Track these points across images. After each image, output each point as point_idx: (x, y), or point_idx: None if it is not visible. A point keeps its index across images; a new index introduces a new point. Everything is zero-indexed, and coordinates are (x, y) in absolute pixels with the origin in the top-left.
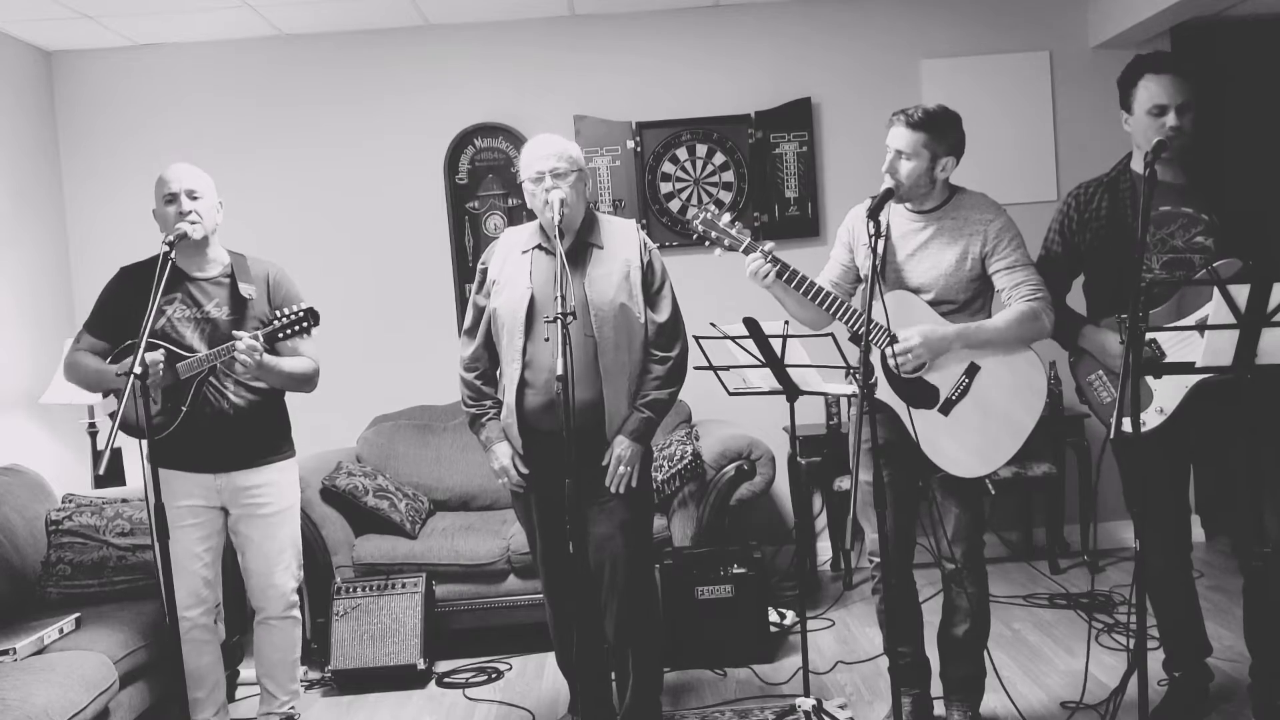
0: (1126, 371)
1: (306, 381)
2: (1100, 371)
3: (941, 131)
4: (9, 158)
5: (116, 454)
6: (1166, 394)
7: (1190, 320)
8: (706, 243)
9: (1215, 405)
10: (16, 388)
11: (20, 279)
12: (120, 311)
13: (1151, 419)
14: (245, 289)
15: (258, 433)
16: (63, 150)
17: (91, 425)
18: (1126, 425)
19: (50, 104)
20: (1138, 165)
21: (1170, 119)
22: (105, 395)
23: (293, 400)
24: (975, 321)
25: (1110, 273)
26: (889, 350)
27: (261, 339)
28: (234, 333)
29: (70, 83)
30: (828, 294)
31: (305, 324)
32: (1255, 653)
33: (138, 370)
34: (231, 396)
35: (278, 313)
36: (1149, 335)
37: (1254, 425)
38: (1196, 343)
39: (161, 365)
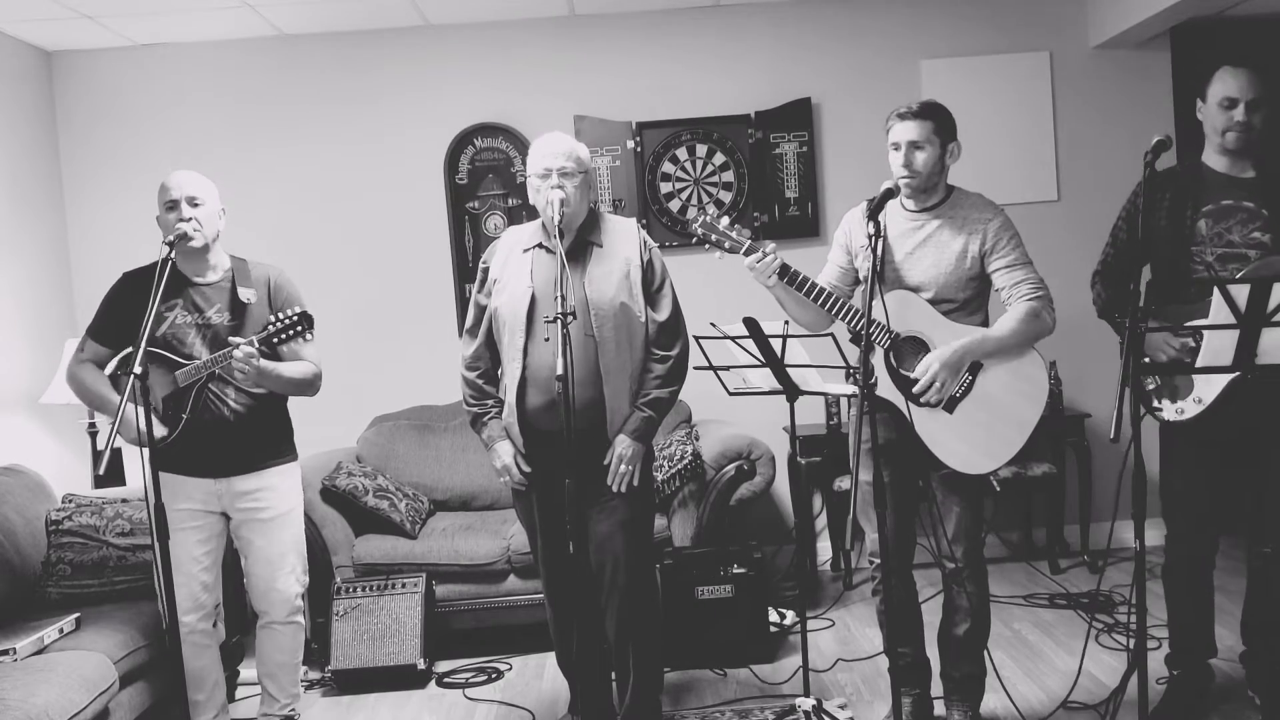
0: (1126, 369)
1: (308, 386)
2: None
3: (942, 119)
4: (9, 158)
5: (116, 454)
6: (1205, 384)
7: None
8: (707, 246)
9: (1256, 400)
10: (16, 388)
11: (20, 279)
12: (123, 316)
13: (1190, 408)
14: (245, 294)
15: (258, 438)
16: (63, 151)
17: (91, 425)
18: (1168, 413)
19: (50, 104)
20: (1208, 158)
21: (1239, 113)
22: None
23: (292, 400)
24: (980, 330)
25: (1163, 263)
26: (918, 392)
27: (258, 344)
28: (230, 339)
29: (70, 83)
30: (829, 294)
31: (299, 328)
32: (1249, 641)
33: (138, 370)
34: (232, 403)
35: (272, 317)
36: (1191, 326)
37: (1255, 426)
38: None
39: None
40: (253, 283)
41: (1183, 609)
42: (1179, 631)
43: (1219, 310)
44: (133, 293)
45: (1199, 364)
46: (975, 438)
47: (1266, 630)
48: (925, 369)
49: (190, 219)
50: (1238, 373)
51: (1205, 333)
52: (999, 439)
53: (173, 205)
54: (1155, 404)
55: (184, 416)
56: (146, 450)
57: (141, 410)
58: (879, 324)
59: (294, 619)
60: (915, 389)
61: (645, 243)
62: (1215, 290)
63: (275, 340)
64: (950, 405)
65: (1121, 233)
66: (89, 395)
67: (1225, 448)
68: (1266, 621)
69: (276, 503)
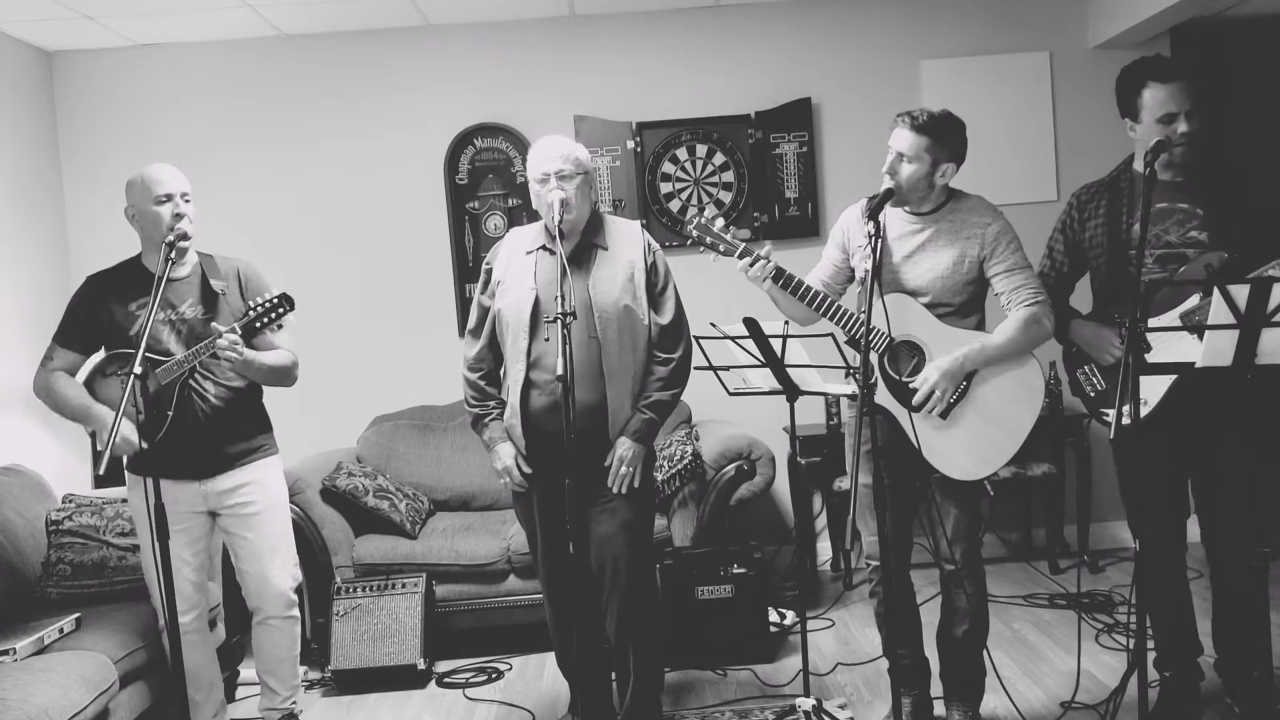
0: (1126, 370)
1: (286, 375)
2: (1088, 365)
3: (944, 137)
4: (9, 158)
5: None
6: (1150, 385)
7: (1174, 314)
8: (701, 248)
9: (1206, 395)
10: (16, 388)
11: (20, 279)
12: (91, 320)
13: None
14: (216, 284)
15: (239, 433)
16: (63, 150)
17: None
18: (1114, 418)
19: (50, 104)
20: (1139, 165)
21: (1181, 125)
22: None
23: (293, 400)
24: (979, 337)
25: (1109, 271)
26: (917, 404)
27: (240, 330)
28: (212, 326)
29: (70, 83)
30: (824, 297)
31: (280, 310)
32: (1221, 649)
33: (137, 370)
34: (211, 398)
35: (251, 302)
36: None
37: (1247, 425)
38: (1184, 336)
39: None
40: (222, 275)
41: (1163, 611)
42: (1162, 634)
43: (1218, 309)
44: (100, 295)
45: (1200, 363)
46: (969, 444)
47: (1253, 633)
48: (925, 380)
49: (183, 215)
50: (1177, 375)
51: (1207, 332)
52: (992, 445)
53: (167, 198)
54: (1102, 410)
55: (169, 414)
56: (131, 460)
57: (136, 411)
58: (875, 329)
59: (290, 613)
60: (915, 400)
61: (649, 245)
62: (1215, 290)
63: (258, 325)
64: (944, 411)
65: (1058, 245)
66: (68, 407)
67: (1186, 445)
68: (1255, 624)
69: (262, 497)
